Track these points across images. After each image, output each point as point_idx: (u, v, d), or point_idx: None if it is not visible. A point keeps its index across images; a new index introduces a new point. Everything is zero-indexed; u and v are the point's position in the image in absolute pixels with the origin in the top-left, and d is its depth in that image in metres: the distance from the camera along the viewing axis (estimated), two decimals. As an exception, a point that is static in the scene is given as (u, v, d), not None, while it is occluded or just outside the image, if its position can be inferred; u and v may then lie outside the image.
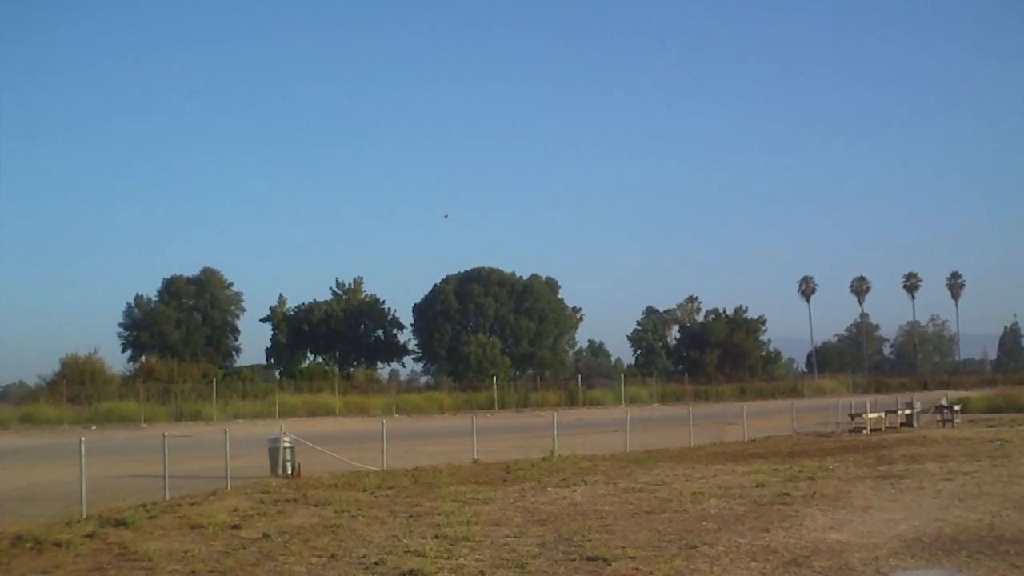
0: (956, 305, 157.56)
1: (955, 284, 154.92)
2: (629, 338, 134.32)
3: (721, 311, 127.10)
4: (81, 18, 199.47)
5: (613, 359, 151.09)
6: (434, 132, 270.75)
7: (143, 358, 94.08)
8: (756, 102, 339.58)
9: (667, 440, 38.75)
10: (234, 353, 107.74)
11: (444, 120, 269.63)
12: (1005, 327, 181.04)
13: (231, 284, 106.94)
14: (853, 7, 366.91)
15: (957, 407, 51.00)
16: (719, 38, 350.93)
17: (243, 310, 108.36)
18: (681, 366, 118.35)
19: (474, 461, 30.45)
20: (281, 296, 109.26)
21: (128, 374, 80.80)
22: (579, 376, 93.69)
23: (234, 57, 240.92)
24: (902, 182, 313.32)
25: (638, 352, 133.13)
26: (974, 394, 75.22)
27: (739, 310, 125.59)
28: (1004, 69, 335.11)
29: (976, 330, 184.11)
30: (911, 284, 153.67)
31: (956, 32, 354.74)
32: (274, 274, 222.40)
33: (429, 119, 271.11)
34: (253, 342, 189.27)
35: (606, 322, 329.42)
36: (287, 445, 27.60)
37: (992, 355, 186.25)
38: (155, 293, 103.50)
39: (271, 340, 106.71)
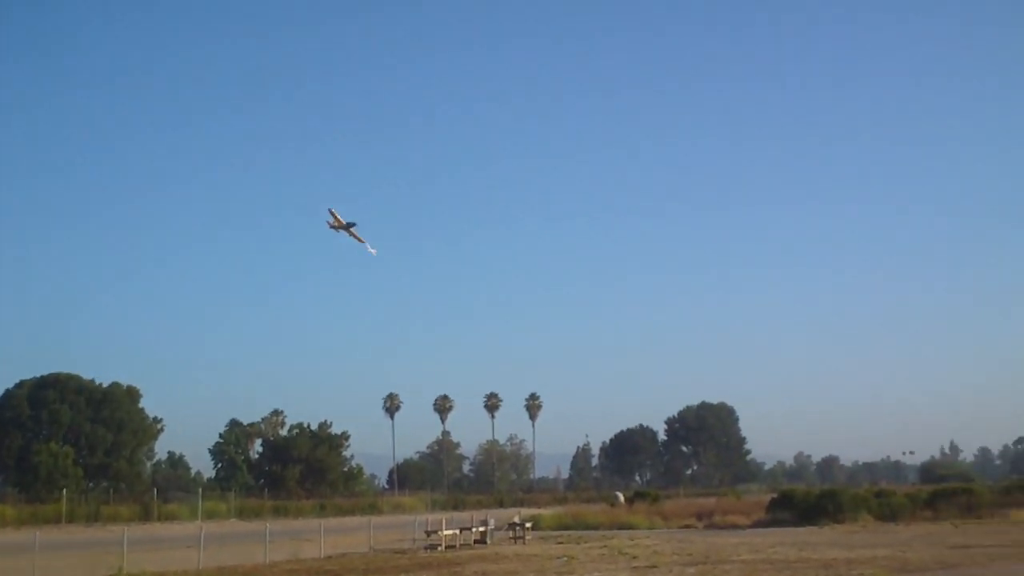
0: (533, 425, 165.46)
1: (533, 405, 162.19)
2: (211, 451, 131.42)
3: (306, 425, 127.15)
4: None
5: (193, 472, 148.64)
6: None
7: None
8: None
9: (242, 556, 37.97)
10: None
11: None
12: (577, 447, 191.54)
13: None
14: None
15: (529, 524, 52.94)
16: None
17: None
18: (262, 480, 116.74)
19: (31, 581, 28.47)
20: None
21: None
22: (156, 489, 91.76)
23: None
24: (487, 303, 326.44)
25: (219, 465, 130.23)
26: (546, 512, 78.51)
27: (324, 425, 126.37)
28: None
29: (551, 449, 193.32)
30: (492, 404, 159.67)
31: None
32: None
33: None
34: None
35: (188, 434, 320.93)
36: None
37: (565, 474, 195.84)
38: None
39: None
